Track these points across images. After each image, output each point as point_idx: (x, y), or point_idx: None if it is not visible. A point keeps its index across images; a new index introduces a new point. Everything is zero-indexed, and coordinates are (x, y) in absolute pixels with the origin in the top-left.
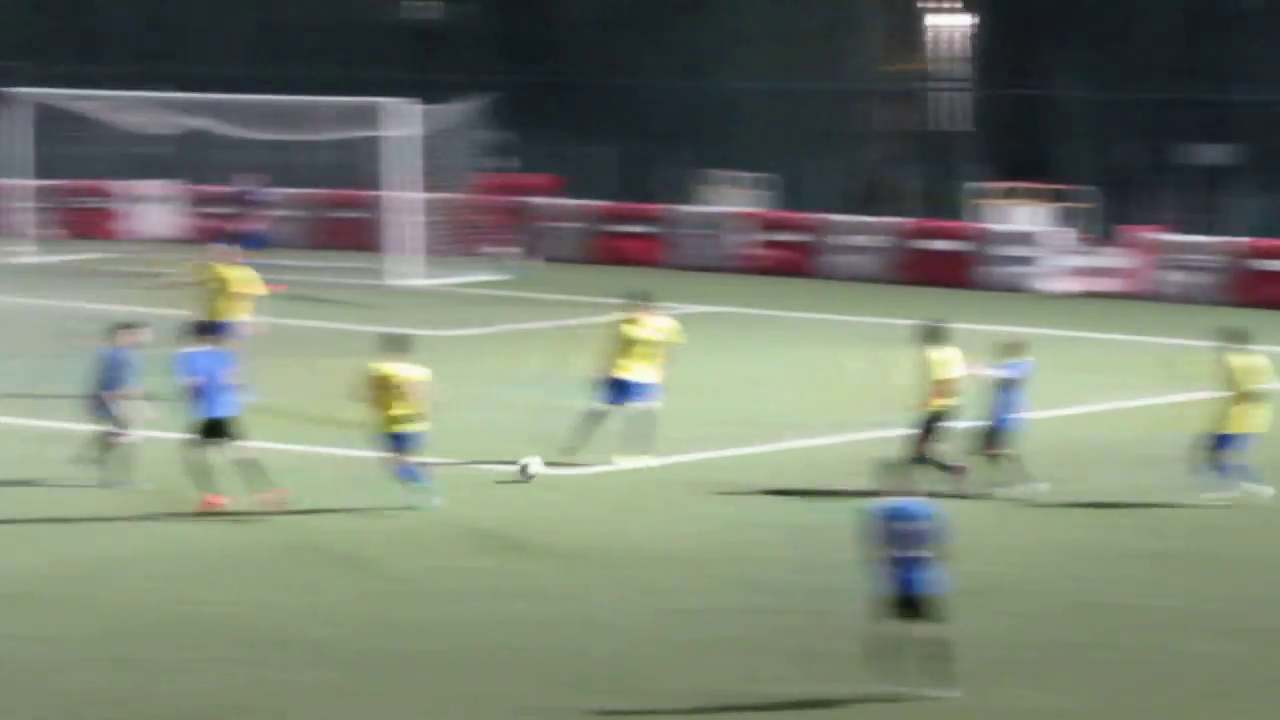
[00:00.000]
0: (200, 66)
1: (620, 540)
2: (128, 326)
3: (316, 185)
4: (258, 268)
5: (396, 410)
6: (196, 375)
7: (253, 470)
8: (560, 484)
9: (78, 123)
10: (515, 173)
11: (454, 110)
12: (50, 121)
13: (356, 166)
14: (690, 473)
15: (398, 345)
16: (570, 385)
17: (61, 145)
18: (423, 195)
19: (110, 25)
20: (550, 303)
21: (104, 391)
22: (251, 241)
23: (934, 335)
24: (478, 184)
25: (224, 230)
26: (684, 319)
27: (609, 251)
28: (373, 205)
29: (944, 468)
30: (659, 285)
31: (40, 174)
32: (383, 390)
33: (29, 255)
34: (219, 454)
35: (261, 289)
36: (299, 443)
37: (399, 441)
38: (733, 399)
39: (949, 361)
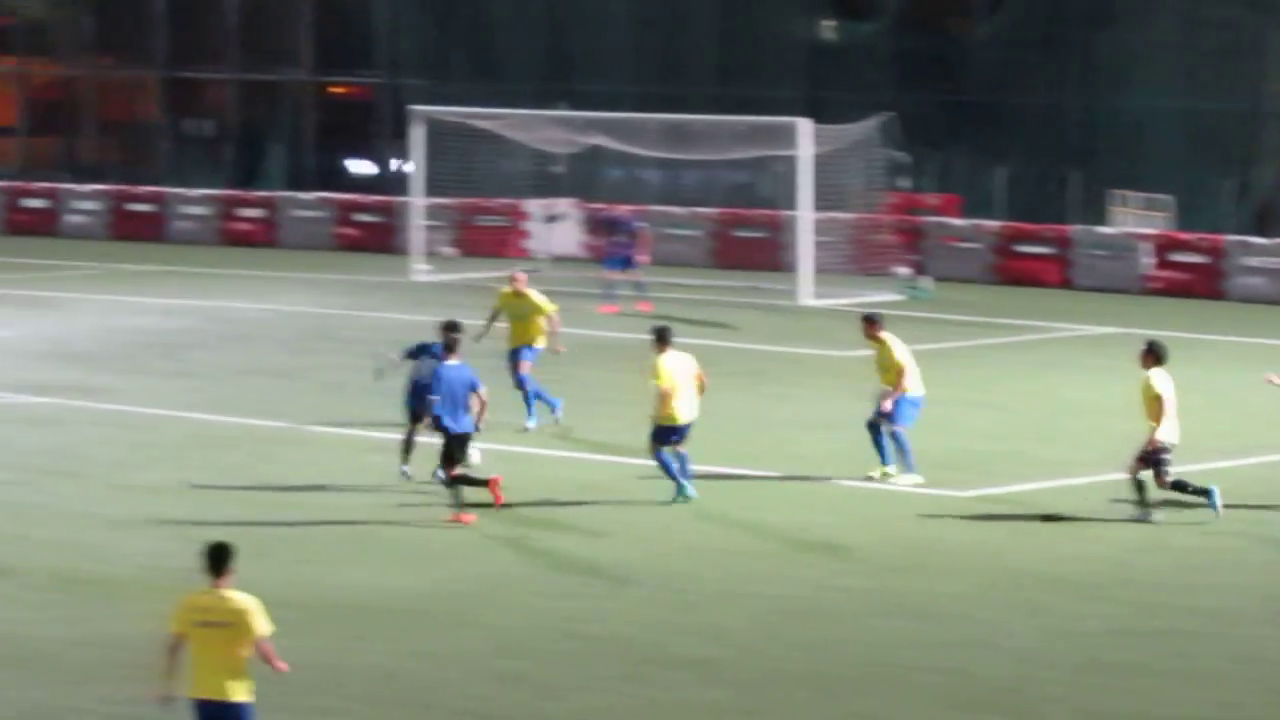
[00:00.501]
0: (596, 85)
1: (1001, 560)
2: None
3: (714, 204)
4: (621, 288)
5: (675, 403)
6: (442, 390)
7: (455, 488)
8: (929, 503)
9: (473, 140)
10: (912, 192)
11: (850, 129)
12: (444, 139)
13: (752, 186)
14: (1084, 495)
15: (664, 337)
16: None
17: (456, 162)
18: (819, 215)
19: (509, 44)
20: (950, 323)
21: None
22: (616, 262)
23: None
24: (882, 203)
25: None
26: (1085, 340)
27: (1008, 272)
28: (769, 224)
29: None
30: (1061, 306)
31: (433, 191)
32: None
33: (424, 274)
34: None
35: (548, 310)
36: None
37: (676, 434)
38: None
39: None
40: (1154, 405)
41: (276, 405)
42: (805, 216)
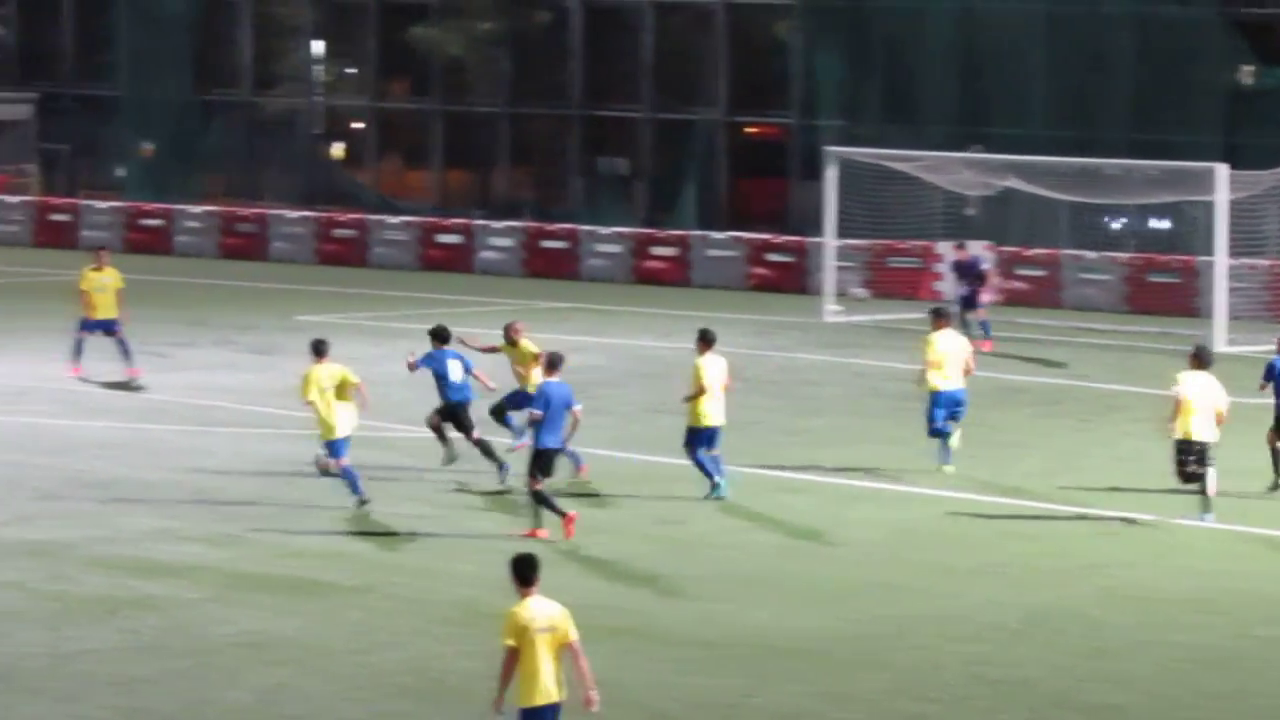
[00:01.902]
0: (1010, 128)
1: None
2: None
3: (1127, 249)
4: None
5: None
6: (541, 407)
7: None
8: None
9: (885, 181)
10: None
11: (1268, 176)
12: (856, 179)
13: (1165, 230)
14: None
15: (707, 338)
16: None
17: (868, 203)
18: (1235, 260)
19: (924, 86)
20: None
21: None
22: (968, 302)
23: None
24: None
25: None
26: None
27: None
28: (1183, 269)
29: None
30: None
31: (844, 232)
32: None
33: (834, 315)
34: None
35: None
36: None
37: (709, 436)
38: None
39: None
40: None
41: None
42: (1221, 262)
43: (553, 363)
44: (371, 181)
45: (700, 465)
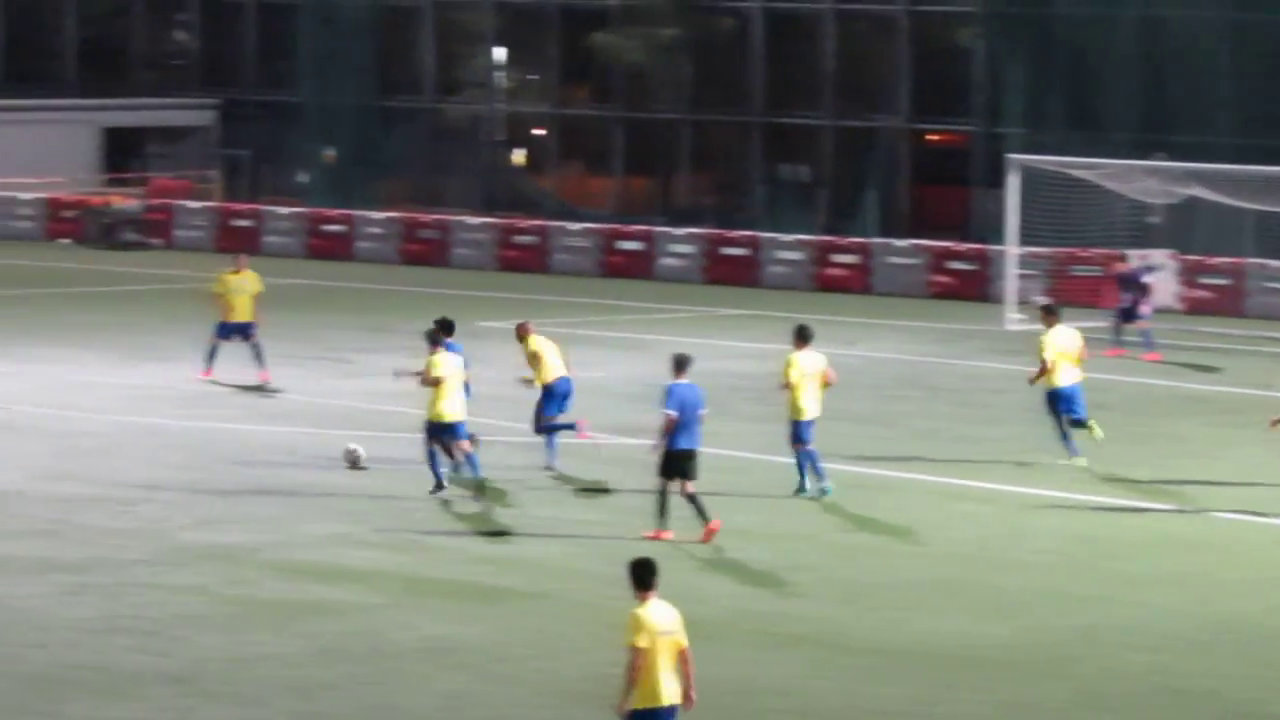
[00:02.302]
0: (1194, 135)
1: None
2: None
3: None
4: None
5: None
6: (674, 408)
7: (695, 505)
8: None
9: (1068, 189)
10: None
11: None
12: (1039, 187)
13: None
14: None
15: (804, 335)
16: None
17: (1051, 211)
18: None
19: (1108, 94)
20: None
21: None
22: (1128, 314)
23: None
24: None
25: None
26: None
27: None
28: None
29: None
30: None
31: (1027, 240)
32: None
33: (1017, 323)
34: (679, 487)
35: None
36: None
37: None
38: None
39: None
40: None
41: (866, 451)
42: None
43: (681, 364)
44: (552, 188)
45: (806, 461)
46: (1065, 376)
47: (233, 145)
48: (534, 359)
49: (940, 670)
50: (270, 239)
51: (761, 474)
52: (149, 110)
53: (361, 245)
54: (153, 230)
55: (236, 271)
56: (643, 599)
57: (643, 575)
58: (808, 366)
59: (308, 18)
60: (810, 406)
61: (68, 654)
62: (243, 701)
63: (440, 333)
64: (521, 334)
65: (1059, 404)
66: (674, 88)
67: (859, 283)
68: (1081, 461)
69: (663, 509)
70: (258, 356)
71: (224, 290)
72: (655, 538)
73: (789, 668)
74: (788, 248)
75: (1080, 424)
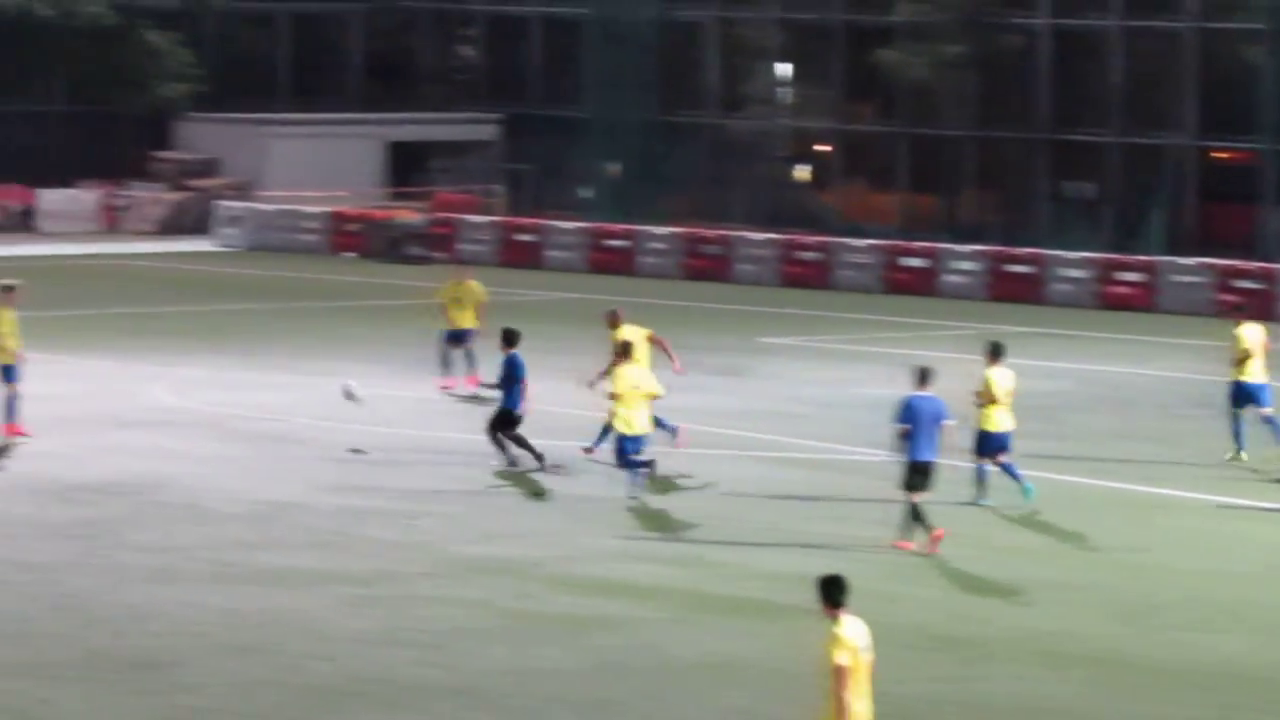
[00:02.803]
0: None
1: None
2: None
3: None
4: None
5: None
6: (908, 420)
7: (917, 516)
8: None
9: None
10: None
11: None
12: None
13: None
14: None
15: (997, 350)
16: None
17: None
18: None
19: None
20: None
21: None
22: None
23: None
24: None
25: None
26: None
27: None
28: None
29: None
30: None
31: None
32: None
33: None
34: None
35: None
36: None
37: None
38: None
39: None
40: None
41: (1151, 471)
42: None
43: (923, 377)
44: (836, 204)
45: (984, 473)
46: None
47: (516, 160)
48: (619, 349)
49: (1222, 692)
50: (552, 253)
51: (1047, 491)
52: (434, 125)
53: (644, 260)
54: (436, 244)
55: (460, 281)
56: (835, 616)
57: (834, 592)
58: (1004, 382)
59: (593, 33)
60: (1003, 419)
61: (350, 666)
62: (525, 715)
63: (506, 343)
64: (613, 323)
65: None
66: (959, 104)
67: (1144, 301)
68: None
69: (912, 520)
70: (469, 363)
71: (449, 299)
72: (899, 547)
73: (1075, 688)
74: (1072, 265)
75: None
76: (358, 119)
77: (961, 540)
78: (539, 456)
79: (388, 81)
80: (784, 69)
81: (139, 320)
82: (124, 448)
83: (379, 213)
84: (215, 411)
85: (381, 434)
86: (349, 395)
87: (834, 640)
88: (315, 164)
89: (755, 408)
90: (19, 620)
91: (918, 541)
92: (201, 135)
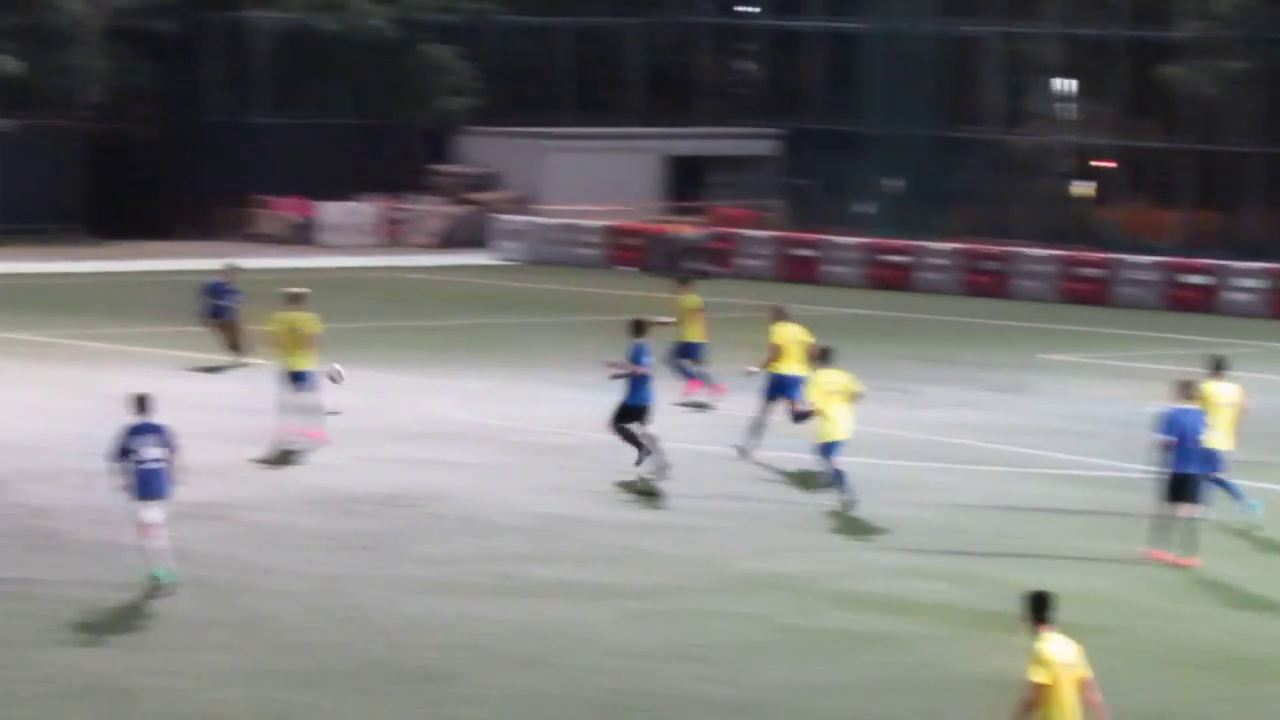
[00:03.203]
0: None
1: None
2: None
3: None
4: None
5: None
6: (1171, 432)
7: (1188, 532)
8: None
9: None
10: None
11: None
12: None
13: None
14: None
15: (1220, 366)
16: None
17: None
18: None
19: None
20: None
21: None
22: None
23: None
24: None
25: None
26: None
27: None
28: None
29: None
30: None
31: None
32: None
33: None
34: (1182, 511)
35: None
36: None
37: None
38: None
39: None
40: None
41: None
42: None
43: (1184, 390)
44: (1117, 220)
45: (1225, 487)
46: None
47: (796, 174)
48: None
49: None
50: (831, 268)
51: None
52: (713, 139)
53: (923, 276)
54: (715, 259)
55: (687, 294)
56: (1040, 632)
57: (1040, 608)
58: (1224, 397)
59: (874, 48)
60: (1221, 435)
61: (628, 680)
62: None
63: (634, 331)
64: (777, 318)
65: None
66: (1244, 120)
67: None
68: None
69: (1167, 532)
70: (695, 371)
71: (680, 311)
72: (1159, 558)
73: None
74: None
75: None
76: (637, 133)
77: (1227, 554)
78: (645, 453)
79: (667, 96)
80: (1066, 84)
81: (419, 333)
82: (404, 460)
83: (658, 227)
84: (495, 424)
85: (669, 448)
86: (334, 378)
87: (1034, 656)
88: (594, 178)
89: (1035, 424)
90: (304, 630)
91: (1174, 554)
92: (481, 149)
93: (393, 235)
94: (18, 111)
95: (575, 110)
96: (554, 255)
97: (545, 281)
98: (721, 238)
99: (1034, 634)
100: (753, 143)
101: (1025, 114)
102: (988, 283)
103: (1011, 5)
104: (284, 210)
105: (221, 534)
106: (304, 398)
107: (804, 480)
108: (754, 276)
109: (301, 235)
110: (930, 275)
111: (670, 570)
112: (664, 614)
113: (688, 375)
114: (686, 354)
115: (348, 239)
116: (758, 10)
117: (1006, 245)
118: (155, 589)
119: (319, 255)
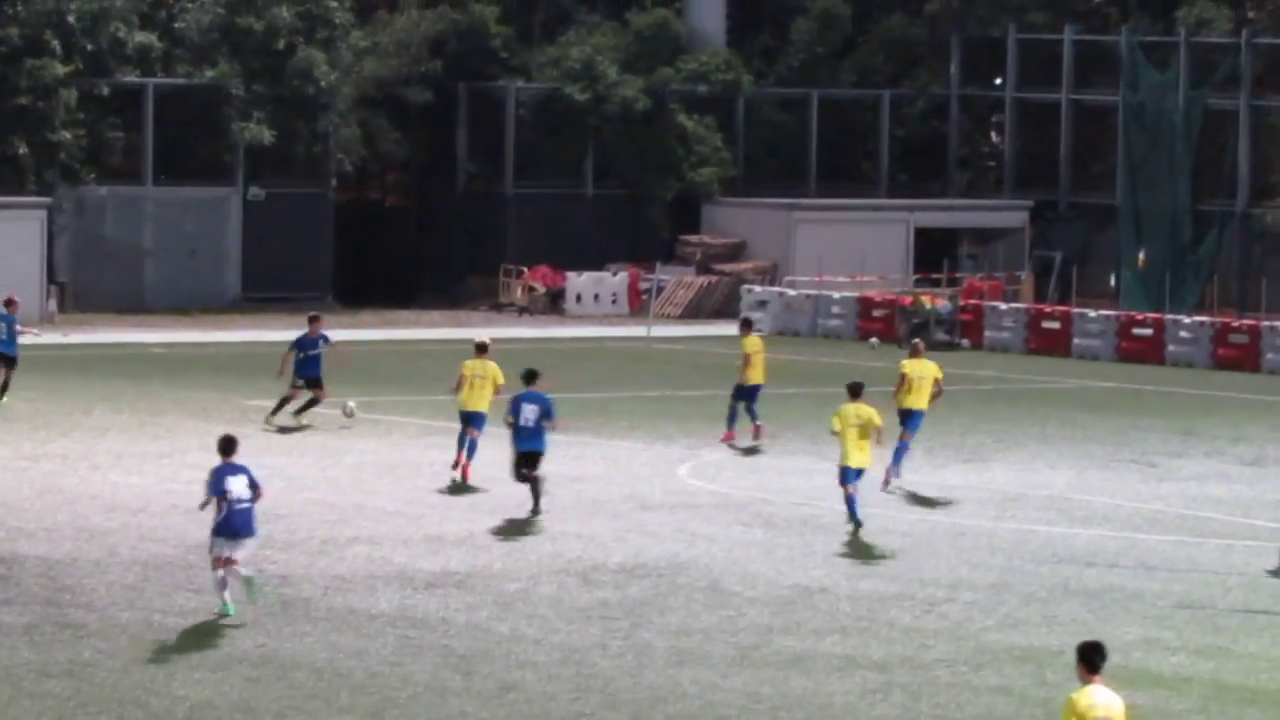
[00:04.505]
0: None
1: None
2: None
3: None
4: None
5: None
6: None
7: None
8: None
9: None
10: None
11: None
12: None
13: None
14: None
15: None
16: None
17: None
18: None
19: None
20: None
21: None
22: None
23: None
24: None
25: None
26: None
27: None
28: None
29: None
30: None
31: None
32: None
33: None
34: None
35: None
36: None
37: None
38: None
39: None
40: None
41: None
42: None
43: None
44: None
45: None
46: None
47: (1044, 246)
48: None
49: None
50: (1080, 341)
51: None
52: (962, 211)
53: (1172, 349)
54: (962, 330)
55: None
56: (1088, 681)
57: (1092, 657)
58: None
59: (1127, 121)
60: None
61: None
62: None
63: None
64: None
65: None
66: None
67: None
68: None
69: None
70: (749, 414)
71: (743, 354)
72: None
73: None
74: None
75: None
76: (886, 204)
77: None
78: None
79: (916, 167)
80: None
81: (664, 403)
82: (647, 529)
83: (904, 298)
84: (740, 495)
85: (910, 520)
86: (347, 413)
87: (1068, 705)
88: (842, 249)
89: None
90: (544, 700)
91: None
92: (729, 218)
93: (639, 305)
94: (268, 179)
95: (824, 181)
96: (801, 325)
97: (793, 352)
98: (968, 310)
99: (1083, 681)
100: (1001, 214)
101: (1274, 186)
102: (1237, 355)
103: (1262, 78)
104: (533, 280)
105: (462, 602)
106: (472, 435)
107: (1040, 552)
108: (1001, 349)
109: (548, 305)
110: (1178, 348)
111: (912, 641)
112: (903, 686)
113: (752, 417)
114: (744, 396)
115: (594, 309)
116: (1007, 82)
117: (1256, 318)
118: (227, 617)
119: (565, 325)
